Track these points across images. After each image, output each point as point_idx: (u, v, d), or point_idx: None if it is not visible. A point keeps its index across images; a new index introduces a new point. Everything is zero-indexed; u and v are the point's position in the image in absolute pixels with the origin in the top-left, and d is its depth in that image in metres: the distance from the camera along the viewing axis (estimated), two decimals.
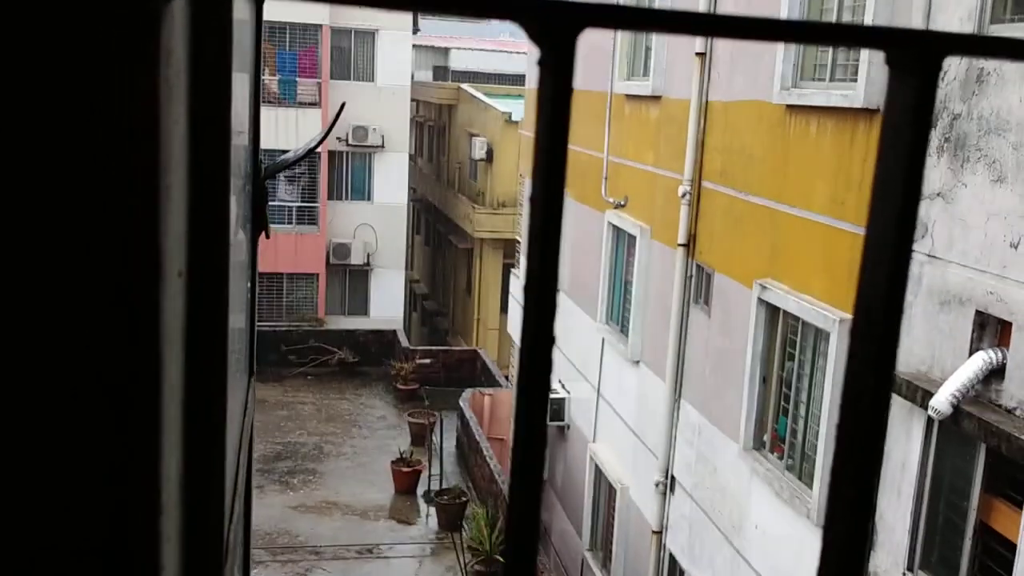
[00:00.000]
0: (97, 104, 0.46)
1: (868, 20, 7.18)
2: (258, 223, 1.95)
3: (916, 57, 0.34)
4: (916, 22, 6.64)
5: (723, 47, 9.85)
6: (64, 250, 0.48)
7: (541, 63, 0.33)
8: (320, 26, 24.56)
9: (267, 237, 1.99)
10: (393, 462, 17.44)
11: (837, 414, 0.44)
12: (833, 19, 7.96)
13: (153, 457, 0.52)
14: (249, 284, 1.98)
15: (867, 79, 7.17)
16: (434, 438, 18.10)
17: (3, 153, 0.46)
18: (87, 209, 0.48)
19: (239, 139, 1.48)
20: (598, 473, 13.11)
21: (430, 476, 17.13)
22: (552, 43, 0.31)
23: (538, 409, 0.39)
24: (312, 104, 24.56)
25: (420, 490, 17.25)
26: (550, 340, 0.33)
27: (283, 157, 2.47)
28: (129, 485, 0.52)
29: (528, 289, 0.33)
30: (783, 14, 8.38)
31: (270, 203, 2.27)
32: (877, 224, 0.35)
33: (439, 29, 43.69)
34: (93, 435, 0.52)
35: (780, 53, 8.42)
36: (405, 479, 17.20)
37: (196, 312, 0.62)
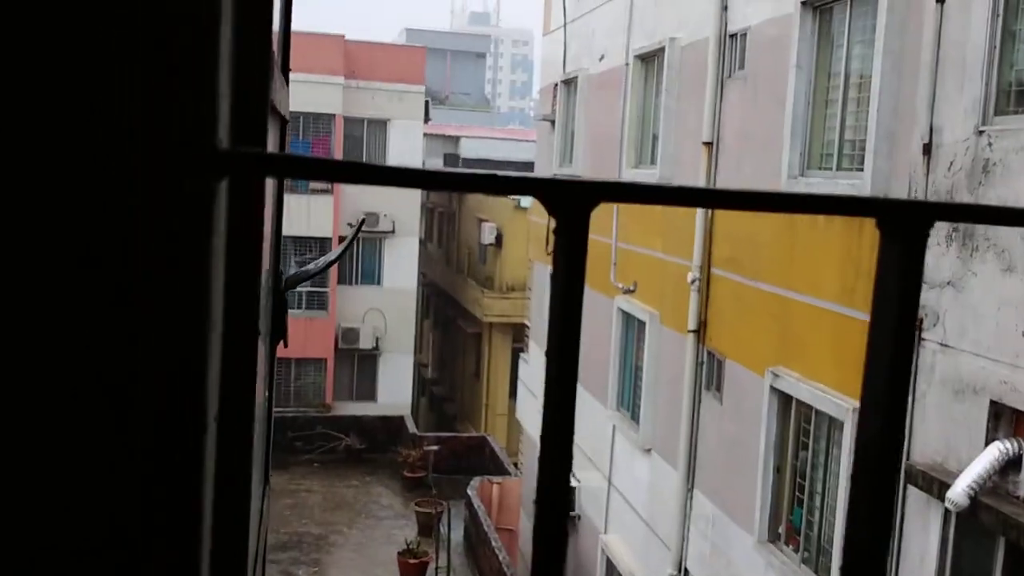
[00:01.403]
0: (153, 275, 0.50)
1: (872, 112, 7.30)
2: (278, 333, 1.98)
3: (904, 224, 0.36)
4: (921, 114, 6.76)
5: (730, 136, 10.02)
6: (119, 409, 0.51)
7: (556, 232, 0.35)
8: (333, 116, 25.15)
9: (285, 346, 2.02)
10: (399, 553, 17.08)
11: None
12: (838, 113, 8.11)
13: None
14: (267, 393, 2.00)
15: (873, 168, 7.26)
16: (442, 528, 17.78)
17: (78, 308, 0.50)
18: (142, 370, 0.51)
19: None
20: (610, 566, 12.82)
21: (437, 568, 16.76)
22: (567, 215, 0.34)
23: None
24: (324, 191, 24.96)
25: None
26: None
27: (304, 269, 2.55)
28: None
29: (541, 465, 0.34)
30: (788, 114, 8.54)
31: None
32: (872, 384, 0.37)
33: (450, 118, 44.66)
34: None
35: (787, 142, 8.56)
36: (412, 571, 16.82)
37: (224, 455, 0.65)
